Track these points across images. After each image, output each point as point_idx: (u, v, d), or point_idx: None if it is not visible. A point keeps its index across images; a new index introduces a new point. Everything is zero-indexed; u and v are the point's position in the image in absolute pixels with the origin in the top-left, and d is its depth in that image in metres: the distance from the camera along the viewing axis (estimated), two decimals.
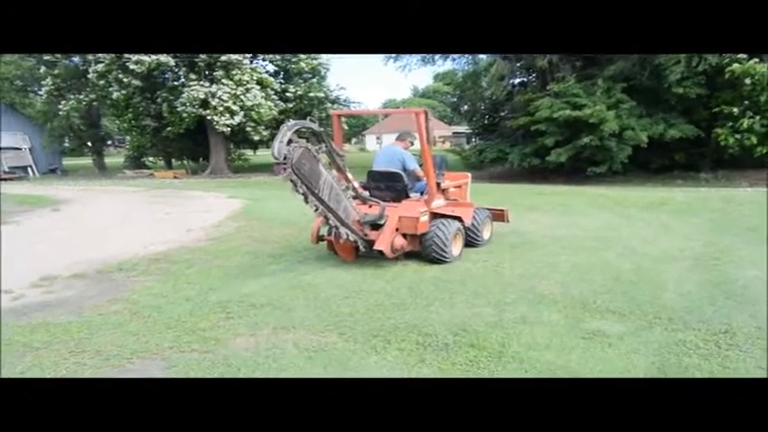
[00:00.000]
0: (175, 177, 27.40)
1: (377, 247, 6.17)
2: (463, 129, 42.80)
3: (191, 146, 30.76)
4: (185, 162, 32.82)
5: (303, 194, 5.30)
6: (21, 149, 30.88)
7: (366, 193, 6.96)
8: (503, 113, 25.63)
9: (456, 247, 6.80)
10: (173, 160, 33.04)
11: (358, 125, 69.52)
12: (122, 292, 5.71)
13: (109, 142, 47.71)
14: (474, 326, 4.45)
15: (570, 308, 4.92)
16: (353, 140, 72.02)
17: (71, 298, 5.55)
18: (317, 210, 5.53)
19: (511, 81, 24.91)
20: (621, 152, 18.78)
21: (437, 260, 6.55)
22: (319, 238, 6.73)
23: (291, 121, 5.22)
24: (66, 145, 33.90)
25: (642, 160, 20.41)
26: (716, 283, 5.66)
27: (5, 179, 26.92)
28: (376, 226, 6.37)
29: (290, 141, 5.07)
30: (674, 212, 10.86)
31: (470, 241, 7.44)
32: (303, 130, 5.51)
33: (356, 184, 6.32)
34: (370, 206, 6.53)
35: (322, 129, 5.66)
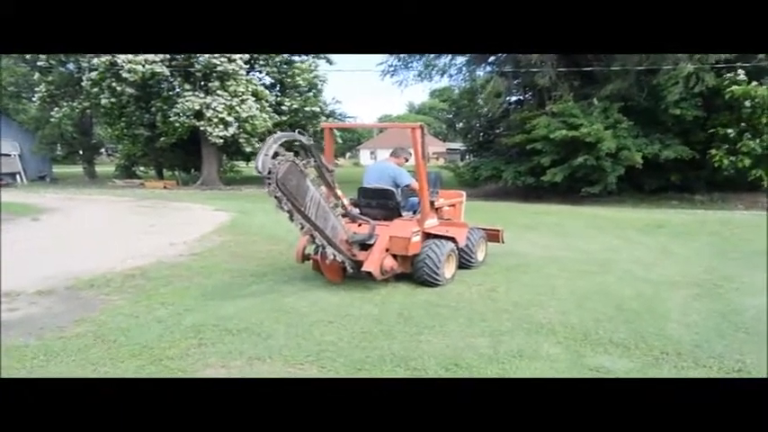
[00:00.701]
0: (165, 188, 26.98)
1: (365, 268, 5.82)
2: (457, 145, 42.68)
3: (183, 156, 30.34)
4: (176, 172, 32.40)
5: (288, 212, 4.95)
6: (10, 156, 30.37)
7: (356, 211, 6.63)
8: (498, 131, 25.43)
9: (449, 270, 6.46)
10: (164, 170, 32.61)
11: (353, 139, 69.28)
12: (91, 311, 5.32)
13: (102, 150, 47.23)
14: (467, 359, 4.09)
15: (570, 339, 4.58)
16: (348, 155, 71.77)
17: (34, 317, 5.14)
18: (302, 228, 5.18)
19: (507, 99, 24.74)
20: (614, 172, 18.57)
21: (429, 283, 6.20)
22: (305, 258, 6.36)
23: (278, 134, 4.88)
24: (58, 152, 33.36)
25: (636, 181, 20.21)
26: (722, 312, 5.35)
27: None
28: (365, 246, 6.03)
29: (276, 155, 4.73)
30: (673, 235, 10.59)
31: (464, 263, 7.12)
32: (293, 143, 5.18)
33: (345, 202, 5.97)
34: (360, 225, 6.18)
35: (311, 142, 5.32)
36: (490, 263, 7.57)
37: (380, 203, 6.43)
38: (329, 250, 5.53)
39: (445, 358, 4.10)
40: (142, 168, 33.98)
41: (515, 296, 5.91)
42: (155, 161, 31.65)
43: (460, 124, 32.81)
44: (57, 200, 19.15)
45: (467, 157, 32.47)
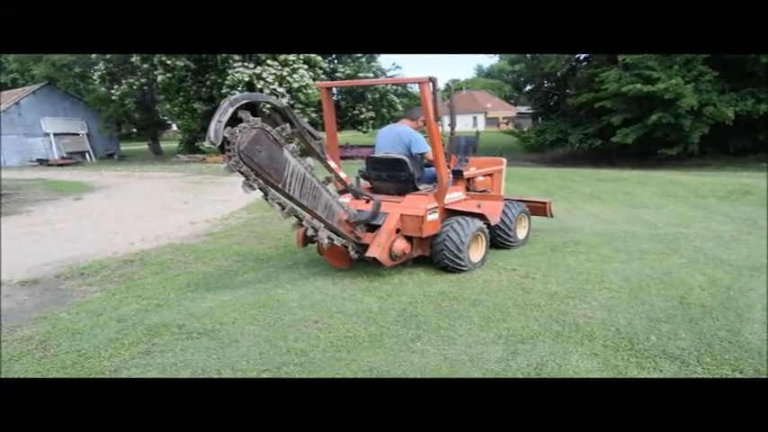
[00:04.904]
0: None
1: (369, 253, 4.92)
2: (526, 109, 40.73)
3: None
4: None
5: (261, 189, 4.13)
6: (78, 135, 31.27)
7: (366, 184, 5.74)
8: (565, 91, 23.63)
9: (476, 253, 5.47)
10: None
11: None
12: (59, 306, 4.73)
13: (174, 126, 48.13)
14: (467, 377, 3.16)
15: (612, 348, 3.55)
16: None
17: (2, 312, 4.61)
18: (283, 208, 4.34)
19: (576, 55, 22.85)
20: (695, 131, 16.58)
21: (451, 269, 5.25)
22: (307, 240, 5.48)
23: (237, 95, 4.02)
24: (123, 130, 34.11)
25: (722, 141, 18.07)
26: None
27: (62, 164, 27.33)
28: (373, 227, 5.12)
29: (239, 121, 3.89)
30: (761, 203, 9.05)
31: (501, 243, 6.12)
32: (266, 105, 4.32)
33: (342, 175, 5.04)
34: (368, 201, 5.27)
35: (286, 104, 4.42)
36: (534, 241, 6.52)
37: (392, 175, 5.47)
38: (323, 233, 4.67)
39: (437, 376, 3.19)
40: (205, 143, 34.16)
41: (554, 285, 4.87)
42: None
43: (528, 87, 30.98)
44: (113, 177, 19.31)
45: (538, 120, 30.68)
